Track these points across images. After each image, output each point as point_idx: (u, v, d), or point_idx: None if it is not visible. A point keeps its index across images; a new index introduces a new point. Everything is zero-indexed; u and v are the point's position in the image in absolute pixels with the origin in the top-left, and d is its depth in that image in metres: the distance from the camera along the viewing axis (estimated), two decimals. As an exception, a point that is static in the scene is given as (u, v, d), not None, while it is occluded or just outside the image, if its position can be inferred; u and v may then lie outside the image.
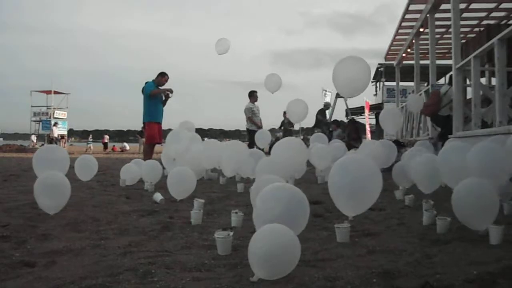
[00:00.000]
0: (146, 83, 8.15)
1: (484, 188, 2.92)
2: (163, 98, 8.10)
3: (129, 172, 5.92)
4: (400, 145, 7.91)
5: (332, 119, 13.23)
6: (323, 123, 13.27)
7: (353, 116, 19.43)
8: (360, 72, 4.82)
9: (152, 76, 8.22)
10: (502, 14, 10.29)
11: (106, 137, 31.44)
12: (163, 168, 6.03)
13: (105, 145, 29.41)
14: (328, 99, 20.36)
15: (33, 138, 28.52)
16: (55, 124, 26.42)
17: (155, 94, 7.95)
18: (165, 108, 8.21)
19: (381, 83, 20.89)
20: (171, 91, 8.11)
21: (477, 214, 2.86)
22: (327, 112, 15.98)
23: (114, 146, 30.75)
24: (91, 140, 32.05)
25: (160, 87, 8.13)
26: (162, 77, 8.18)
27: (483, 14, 10.33)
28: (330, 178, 3.24)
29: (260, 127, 10.06)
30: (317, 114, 13.45)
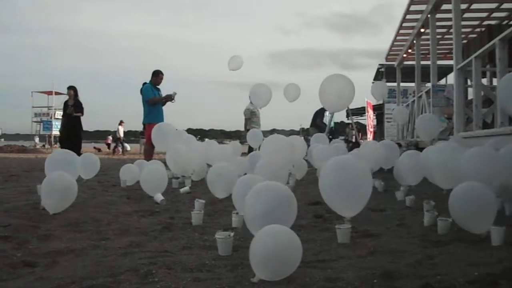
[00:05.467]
0: (144, 84, 8.14)
1: (481, 191, 2.90)
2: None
3: (129, 173, 5.91)
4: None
5: (331, 121, 12.92)
6: (316, 125, 12.89)
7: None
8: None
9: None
10: (503, 14, 10.27)
11: (109, 137, 31.34)
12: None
13: (108, 146, 29.38)
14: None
15: (36, 139, 28.48)
16: (121, 122, 22.98)
17: (154, 103, 7.93)
18: (164, 108, 8.20)
19: (382, 83, 20.84)
20: (172, 98, 8.11)
21: (475, 217, 2.84)
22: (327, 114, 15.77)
23: (115, 146, 30.69)
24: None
25: (157, 86, 8.14)
26: (157, 76, 8.16)
27: (484, 15, 10.31)
28: (320, 180, 3.22)
29: (246, 130, 9.67)
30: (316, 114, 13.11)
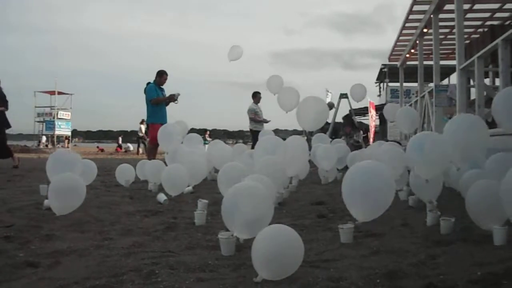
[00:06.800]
0: (148, 84, 8.15)
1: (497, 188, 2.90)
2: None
3: (125, 173, 5.92)
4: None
5: (335, 120, 12.96)
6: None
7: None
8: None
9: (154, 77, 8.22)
10: (506, 14, 10.25)
11: (120, 138, 31.49)
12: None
13: (120, 146, 29.57)
14: (329, 99, 20.34)
15: (43, 139, 28.45)
16: (142, 121, 21.58)
17: (157, 103, 7.93)
18: (168, 108, 8.20)
19: (385, 83, 20.83)
20: (175, 99, 8.09)
21: (490, 213, 2.84)
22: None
23: (118, 147, 30.82)
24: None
25: (161, 86, 8.13)
26: (161, 76, 8.12)
27: (487, 15, 10.29)
28: (345, 180, 3.12)
29: (265, 121, 10.20)
30: None
